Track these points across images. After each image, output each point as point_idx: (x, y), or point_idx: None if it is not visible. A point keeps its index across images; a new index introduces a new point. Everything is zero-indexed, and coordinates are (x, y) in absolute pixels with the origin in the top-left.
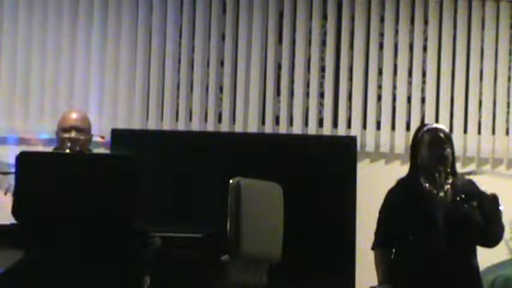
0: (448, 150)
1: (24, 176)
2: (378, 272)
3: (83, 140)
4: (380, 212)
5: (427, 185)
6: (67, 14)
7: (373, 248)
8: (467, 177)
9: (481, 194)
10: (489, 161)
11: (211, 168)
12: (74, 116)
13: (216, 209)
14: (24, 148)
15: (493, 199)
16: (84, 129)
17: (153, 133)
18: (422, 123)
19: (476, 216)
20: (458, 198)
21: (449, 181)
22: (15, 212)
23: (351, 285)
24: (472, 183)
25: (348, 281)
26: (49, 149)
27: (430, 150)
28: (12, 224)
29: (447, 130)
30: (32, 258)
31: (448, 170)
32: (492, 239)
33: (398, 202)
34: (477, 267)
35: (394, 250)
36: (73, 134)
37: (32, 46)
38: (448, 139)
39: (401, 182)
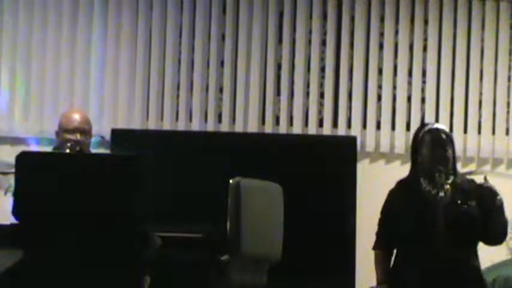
0: (450, 151)
1: (24, 176)
2: (377, 272)
3: (86, 142)
4: (381, 213)
5: (427, 185)
6: (67, 14)
7: (373, 249)
8: (467, 177)
9: (480, 190)
10: (489, 161)
11: (211, 168)
12: (77, 117)
13: (216, 209)
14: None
15: (491, 192)
16: (87, 131)
17: (153, 133)
18: (423, 123)
19: (476, 216)
20: (457, 198)
21: (450, 181)
22: (15, 212)
23: (350, 285)
24: (472, 183)
25: (348, 281)
26: (49, 149)
27: (432, 150)
28: (12, 224)
29: (448, 130)
30: (32, 258)
31: (449, 170)
32: (494, 236)
33: (399, 203)
34: (478, 268)
35: (395, 251)
36: (78, 136)
37: (32, 46)
38: (449, 140)
39: (401, 183)
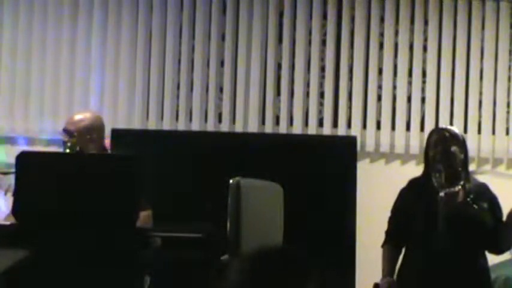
0: (454, 148)
1: (24, 176)
2: (383, 266)
3: (74, 141)
4: (391, 211)
5: (435, 184)
6: (67, 14)
7: (382, 246)
8: (478, 177)
9: (493, 198)
10: (489, 161)
11: (211, 168)
12: (69, 118)
13: (216, 209)
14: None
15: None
16: (73, 131)
17: (153, 133)
18: (437, 125)
19: (485, 218)
20: (468, 199)
21: (461, 182)
22: (15, 211)
23: (351, 285)
24: (484, 186)
25: (348, 280)
26: (49, 149)
27: (434, 149)
28: (12, 224)
29: (456, 130)
30: (32, 258)
31: (459, 169)
32: (499, 244)
33: (407, 201)
34: (485, 268)
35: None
36: (62, 136)
37: (32, 46)
38: (454, 138)
39: (412, 182)
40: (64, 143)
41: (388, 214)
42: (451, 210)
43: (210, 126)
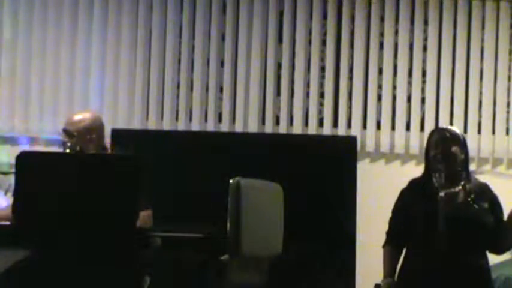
0: (455, 148)
1: (24, 176)
2: (384, 267)
3: (74, 142)
4: (392, 212)
5: (436, 184)
6: (67, 14)
7: (383, 246)
8: (478, 177)
9: (494, 198)
10: (489, 161)
11: (211, 168)
12: (69, 118)
13: (216, 209)
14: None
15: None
16: (73, 132)
17: (153, 133)
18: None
19: (486, 217)
20: (469, 199)
21: (462, 182)
22: (15, 212)
23: (351, 284)
24: (485, 186)
25: (348, 280)
26: (49, 149)
27: (435, 149)
28: (12, 224)
29: (457, 131)
30: (32, 258)
31: (460, 169)
32: (500, 244)
33: (408, 202)
34: (485, 268)
35: (404, 250)
36: (62, 136)
37: (32, 46)
38: (454, 138)
39: (412, 182)
40: (64, 143)
41: (388, 214)
42: (452, 210)
43: (210, 126)
